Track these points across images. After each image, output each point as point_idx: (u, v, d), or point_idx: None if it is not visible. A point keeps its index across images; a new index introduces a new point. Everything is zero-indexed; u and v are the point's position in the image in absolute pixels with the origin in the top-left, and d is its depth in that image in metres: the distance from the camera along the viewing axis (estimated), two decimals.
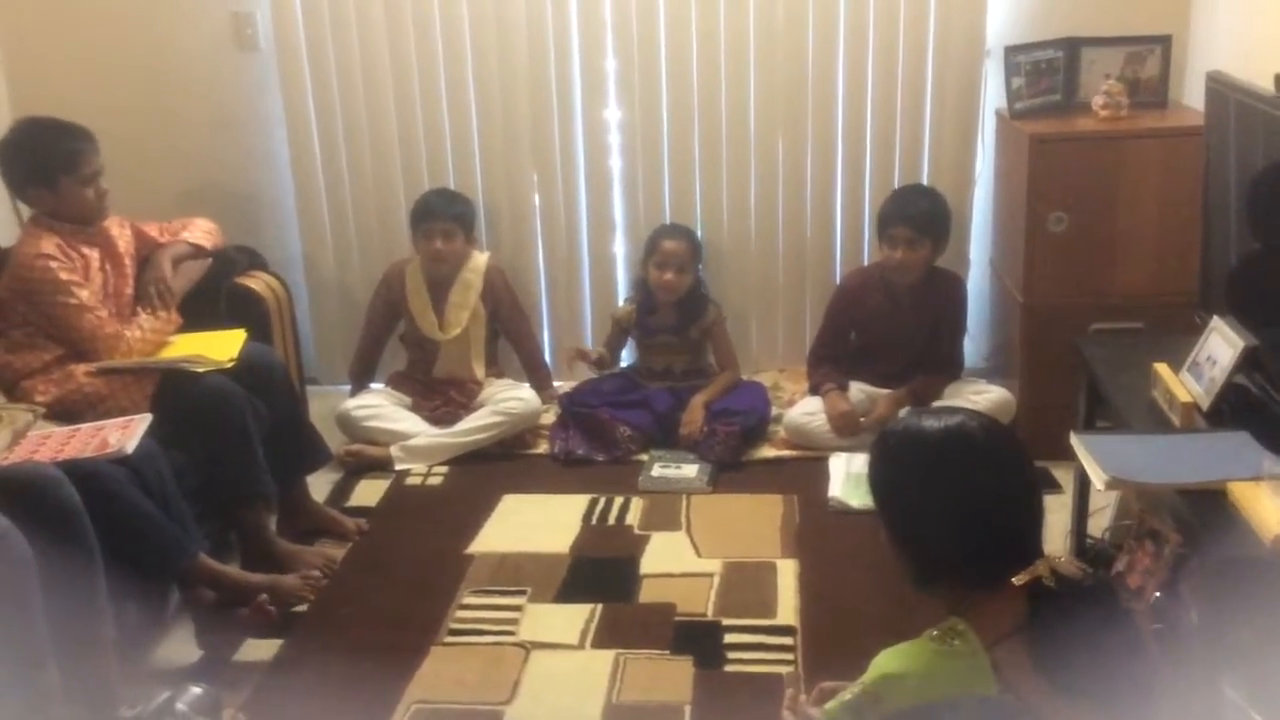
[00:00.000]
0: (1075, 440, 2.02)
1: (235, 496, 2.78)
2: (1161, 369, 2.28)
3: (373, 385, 3.81)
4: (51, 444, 2.46)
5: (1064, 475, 3.05)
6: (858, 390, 3.56)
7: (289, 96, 3.76)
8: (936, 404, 3.40)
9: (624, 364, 3.85)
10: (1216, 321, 2.26)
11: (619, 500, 3.24)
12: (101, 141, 2.98)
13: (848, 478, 3.25)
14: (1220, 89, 2.45)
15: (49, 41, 3.78)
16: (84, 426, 2.55)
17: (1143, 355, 2.46)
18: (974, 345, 3.76)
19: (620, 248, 3.92)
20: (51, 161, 2.83)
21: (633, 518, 3.15)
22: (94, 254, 2.92)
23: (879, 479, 1.71)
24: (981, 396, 3.42)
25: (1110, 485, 1.91)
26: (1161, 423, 2.22)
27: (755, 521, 3.10)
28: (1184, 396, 2.16)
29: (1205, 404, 2.15)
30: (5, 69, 3.80)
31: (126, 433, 2.50)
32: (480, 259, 3.70)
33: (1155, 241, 3.20)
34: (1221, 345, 2.19)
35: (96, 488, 2.33)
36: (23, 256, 2.81)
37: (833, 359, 3.64)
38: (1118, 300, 3.25)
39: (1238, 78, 2.53)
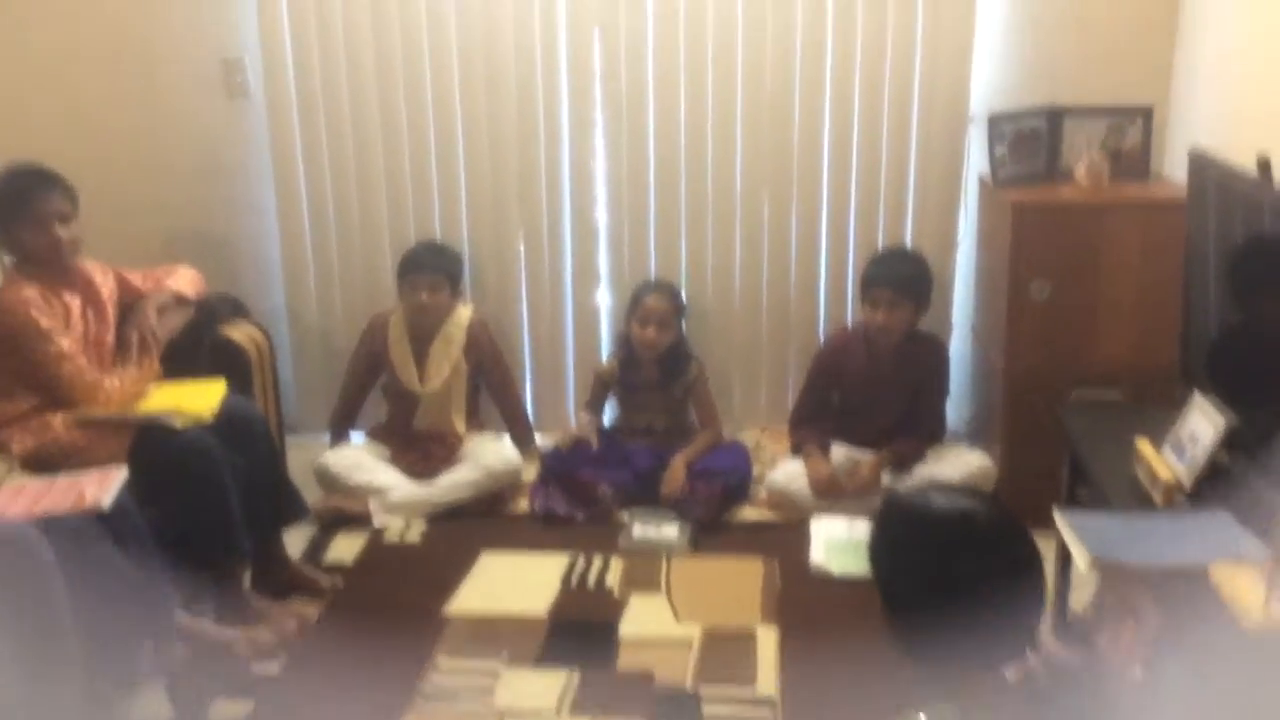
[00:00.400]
0: (1059, 518, 2.02)
1: (210, 553, 2.74)
2: (1144, 446, 2.29)
3: (353, 437, 3.79)
4: (26, 497, 2.42)
5: (1045, 544, 3.01)
6: (839, 452, 3.56)
7: (277, 144, 3.77)
8: (928, 472, 3.41)
9: (605, 421, 3.84)
10: (1198, 398, 2.27)
11: (598, 560, 3.22)
12: (86, 186, 2.97)
13: (829, 543, 3.24)
14: (1202, 166, 2.49)
15: (34, 86, 3.78)
16: (60, 479, 2.51)
17: (1125, 428, 2.47)
18: (955, 409, 3.77)
19: (605, 302, 3.92)
20: (7, 202, 2.82)
21: (612, 579, 3.12)
22: (75, 301, 2.90)
23: (879, 550, 1.71)
24: (962, 462, 3.43)
25: (1094, 566, 1.90)
26: (1144, 500, 2.22)
27: (736, 585, 3.08)
28: (1166, 475, 2.17)
29: (1187, 482, 2.16)
30: None
31: (103, 487, 2.46)
32: (464, 312, 3.69)
33: (1136, 311, 3.23)
34: (1203, 422, 2.20)
35: (71, 543, 2.29)
36: (2, 303, 2.78)
37: (814, 419, 3.64)
38: (1099, 368, 3.27)
39: (1218, 153, 2.57)
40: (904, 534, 1.67)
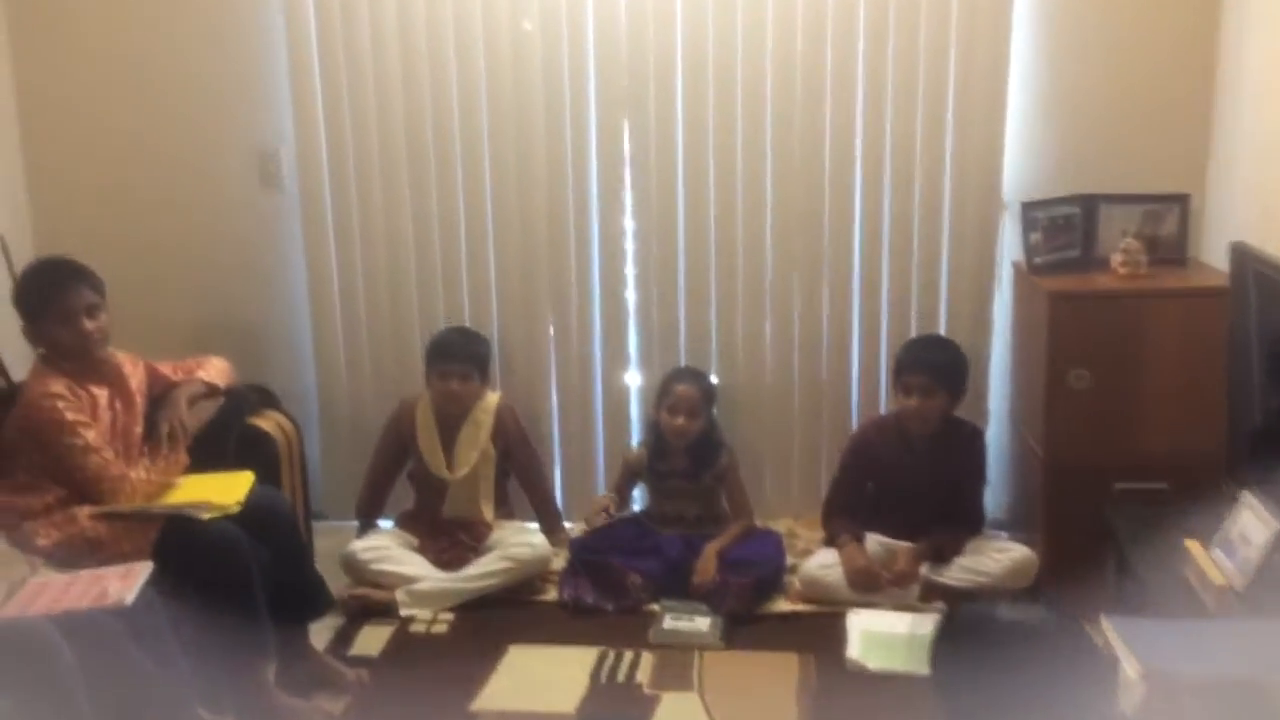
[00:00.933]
0: (1107, 625, 1.94)
1: (235, 649, 2.69)
2: (1193, 548, 2.21)
3: (381, 524, 3.75)
4: (48, 595, 2.38)
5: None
6: (875, 542, 3.48)
7: (310, 234, 3.79)
8: (968, 564, 3.33)
9: (635, 507, 3.78)
10: (1248, 498, 2.20)
11: (629, 655, 3.14)
12: (121, 274, 3.00)
13: (865, 637, 3.15)
14: (1243, 259, 2.44)
15: (71, 172, 3.83)
16: (83, 574, 2.48)
17: (1171, 525, 2.40)
18: (993, 496, 3.69)
19: (635, 387, 3.89)
20: (34, 298, 2.85)
21: (643, 675, 3.04)
22: (103, 392, 2.89)
23: (942, 658, 1.66)
24: (1004, 555, 3.34)
25: (1146, 678, 1.82)
26: (1194, 603, 2.14)
27: (770, 683, 2.99)
28: (1218, 579, 2.09)
29: (1240, 586, 2.08)
30: (31, 202, 3.85)
31: (126, 583, 2.43)
32: (492, 398, 3.67)
33: (1179, 400, 3.16)
34: (1254, 523, 2.13)
35: (92, 642, 2.26)
36: (30, 396, 2.78)
37: (849, 510, 3.57)
38: (1141, 458, 3.19)
39: (1256, 242, 2.52)
40: (973, 647, 1.61)
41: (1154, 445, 3.19)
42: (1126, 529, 2.51)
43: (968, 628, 1.65)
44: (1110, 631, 1.93)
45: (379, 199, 3.76)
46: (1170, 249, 3.42)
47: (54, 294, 2.83)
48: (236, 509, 2.78)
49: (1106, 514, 2.67)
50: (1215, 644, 1.92)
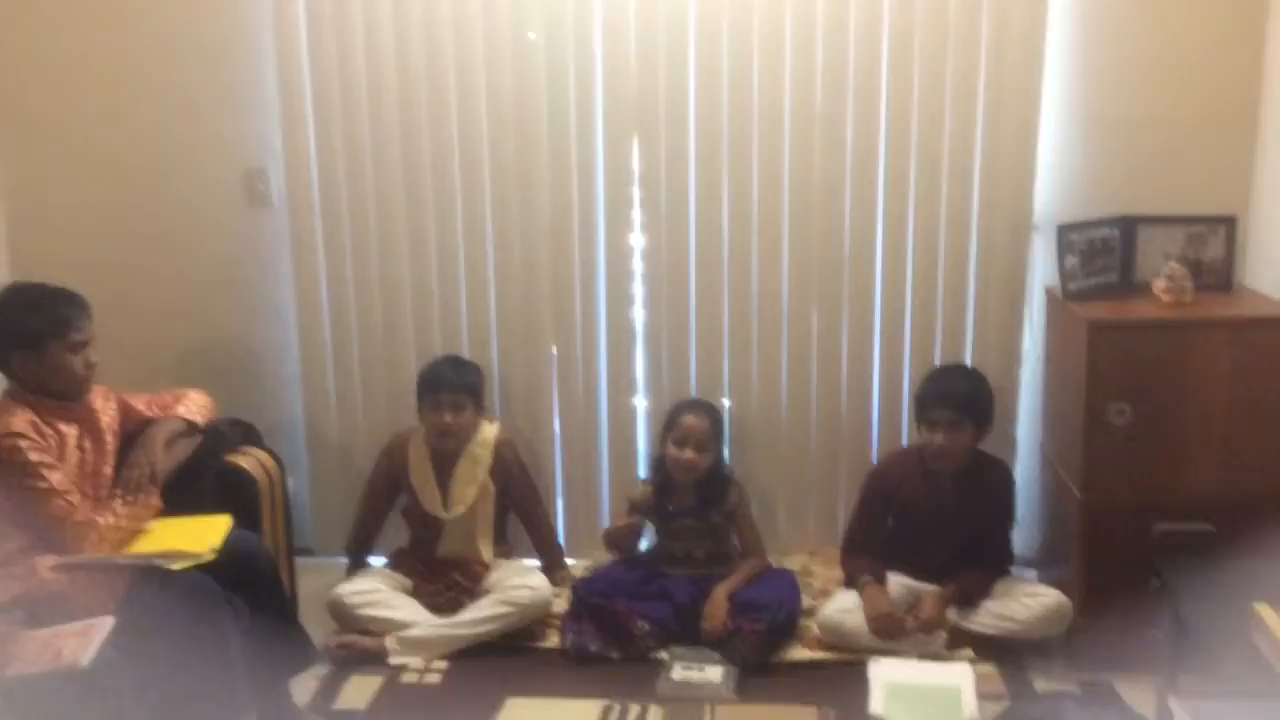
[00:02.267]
0: (1177, 708, 1.72)
1: (208, 710, 2.48)
2: (1265, 613, 1.99)
3: (372, 562, 3.54)
4: None
5: (1138, 693, 2.72)
6: (898, 584, 3.27)
7: (299, 254, 3.60)
8: (997, 609, 3.13)
9: (643, 547, 3.57)
10: None
11: (635, 708, 2.94)
12: (102, 298, 2.81)
13: (890, 689, 2.92)
14: None
15: (54, 192, 3.65)
16: (39, 633, 2.28)
17: (1229, 577, 2.19)
18: (1023, 536, 3.47)
19: (642, 417, 3.68)
20: (41, 325, 2.64)
21: None
22: (71, 430, 2.69)
23: None
24: (1035, 600, 3.13)
25: None
26: (1266, 676, 1.92)
27: None
28: None
29: None
30: (6, 224, 3.66)
31: (82, 641, 2.24)
32: (490, 431, 3.46)
33: (1225, 437, 2.95)
34: None
35: (39, 712, 2.05)
36: None
37: (868, 547, 3.37)
38: (1186, 498, 2.98)
39: None
40: None
41: (1199, 485, 2.98)
42: (1182, 581, 2.29)
43: None
44: (1181, 716, 1.72)
45: (372, 218, 3.57)
46: (1215, 274, 3.21)
47: (68, 322, 2.64)
48: (211, 557, 2.58)
49: (1155, 561, 2.46)
50: None
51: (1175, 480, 2.98)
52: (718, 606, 3.25)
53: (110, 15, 3.53)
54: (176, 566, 2.51)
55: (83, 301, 2.72)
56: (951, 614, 3.18)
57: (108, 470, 2.76)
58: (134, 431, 2.85)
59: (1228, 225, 3.20)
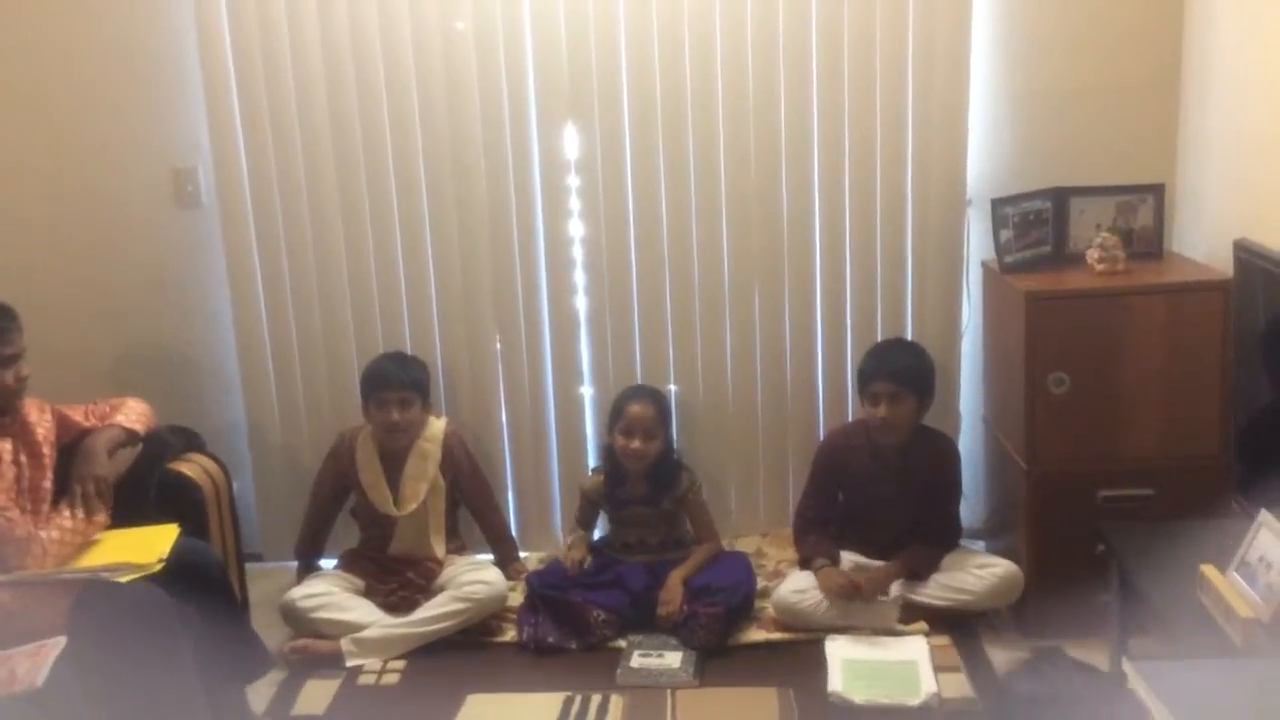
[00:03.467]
0: (1131, 672, 1.76)
1: None
2: (1211, 574, 2.04)
3: (322, 564, 3.50)
4: None
5: (1091, 656, 2.75)
6: (849, 562, 3.30)
7: (232, 255, 3.53)
8: (947, 581, 3.17)
9: (596, 536, 3.57)
10: (1265, 516, 2.04)
11: (596, 698, 2.93)
12: (29, 306, 2.71)
13: (848, 666, 2.97)
14: (1248, 258, 2.28)
15: None
16: None
17: (1172, 541, 2.24)
18: (969, 507, 3.52)
19: (589, 410, 3.68)
20: None
21: (613, 718, 2.84)
22: (6, 445, 2.61)
23: None
24: (987, 571, 3.17)
25: None
26: (1217, 636, 1.97)
27: None
28: (1244, 611, 1.92)
29: (1266, 616, 1.91)
30: None
31: (35, 662, 2.19)
32: (438, 425, 3.43)
33: (1163, 402, 3.01)
34: (1276, 546, 1.97)
35: None
36: None
37: (820, 523, 3.39)
38: (1128, 464, 3.03)
39: (1249, 234, 2.37)
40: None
41: (1139, 450, 3.04)
42: (1127, 546, 2.34)
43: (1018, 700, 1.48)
44: (1136, 680, 1.76)
45: (306, 215, 3.51)
46: (1146, 242, 3.27)
47: None
48: (159, 567, 2.53)
49: (1101, 528, 2.50)
50: (1251, 687, 1.75)
51: (1116, 447, 3.04)
52: (673, 592, 3.25)
53: (29, 15, 3.43)
54: (124, 579, 2.46)
55: (12, 313, 2.64)
56: (900, 585, 3.21)
57: (47, 485, 2.68)
58: (72, 443, 2.77)
59: (1156, 193, 3.27)
